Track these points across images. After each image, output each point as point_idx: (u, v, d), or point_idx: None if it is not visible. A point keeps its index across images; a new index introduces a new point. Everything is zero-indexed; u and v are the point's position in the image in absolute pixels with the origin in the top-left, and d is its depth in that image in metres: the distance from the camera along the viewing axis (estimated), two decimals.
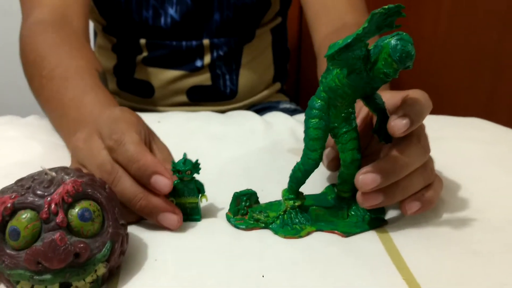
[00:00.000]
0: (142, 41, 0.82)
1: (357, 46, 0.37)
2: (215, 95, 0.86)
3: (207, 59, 0.83)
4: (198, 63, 0.83)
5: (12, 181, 0.39)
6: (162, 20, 0.80)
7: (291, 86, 1.09)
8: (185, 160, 0.45)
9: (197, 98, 0.86)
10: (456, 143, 0.62)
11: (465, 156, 0.59)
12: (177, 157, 0.48)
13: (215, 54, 0.83)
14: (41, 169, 0.39)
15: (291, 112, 0.88)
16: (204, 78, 0.84)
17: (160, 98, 0.86)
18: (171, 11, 0.80)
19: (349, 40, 0.36)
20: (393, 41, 0.37)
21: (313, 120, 0.43)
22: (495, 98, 1.09)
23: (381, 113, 0.45)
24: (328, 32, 0.73)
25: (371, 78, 0.40)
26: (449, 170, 0.56)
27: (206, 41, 0.82)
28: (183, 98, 0.85)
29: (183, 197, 0.46)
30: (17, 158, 0.59)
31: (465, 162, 0.58)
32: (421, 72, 1.05)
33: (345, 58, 0.37)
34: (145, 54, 0.84)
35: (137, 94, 0.87)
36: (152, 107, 0.87)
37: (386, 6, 0.35)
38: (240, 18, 0.82)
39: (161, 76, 0.84)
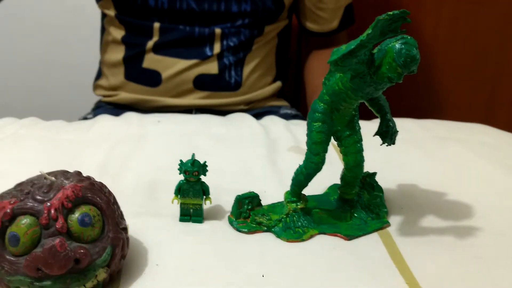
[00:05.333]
0: (156, 25, 0.83)
1: (361, 52, 0.36)
2: (221, 85, 0.87)
3: (217, 48, 0.84)
4: (208, 52, 0.84)
5: (10, 181, 0.39)
6: (178, 3, 0.81)
7: (291, 91, 1.09)
8: (193, 161, 0.44)
9: (203, 87, 0.86)
10: (460, 148, 0.62)
11: (470, 160, 0.59)
12: (178, 156, 0.47)
13: (225, 43, 0.84)
14: (40, 173, 0.38)
15: (292, 117, 0.88)
16: (211, 67, 0.85)
17: (167, 87, 0.86)
18: None
19: (352, 47, 0.35)
20: (397, 45, 0.36)
21: (316, 124, 0.42)
22: (495, 102, 1.09)
23: (385, 115, 0.44)
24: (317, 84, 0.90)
25: (375, 82, 0.39)
26: (453, 174, 0.56)
27: (218, 30, 0.83)
28: (189, 86, 0.86)
29: (187, 198, 0.46)
30: (15, 157, 0.58)
31: (469, 166, 0.58)
32: (421, 76, 1.04)
33: (348, 64, 0.36)
34: (156, 39, 0.84)
35: (144, 84, 0.87)
36: (156, 97, 0.87)
37: (391, 12, 0.34)
38: (255, 14, 0.84)
39: (171, 66, 0.85)
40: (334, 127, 0.43)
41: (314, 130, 0.42)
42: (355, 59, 0.37)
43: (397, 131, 0.45)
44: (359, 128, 0.45)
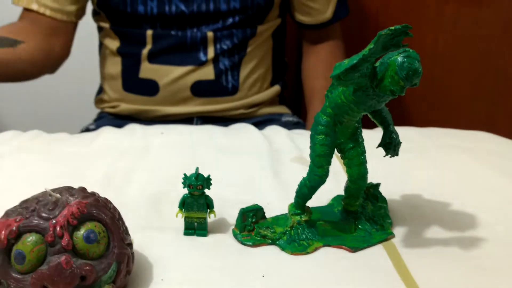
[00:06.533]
0: (149, 32, 0.84)
1: (363, 66, 0.36)
2: (218, 90, 0.87)
3: (210, 52, 0.84)
4: (202, 57, 0.84)
5: (14, 195, 0.39)
6: (167, 8, 0.82)
7: (292, 98, 1.09)
8: (197, 174, 0.44)
9: (201, 93, 0.87)
10: (464, 156, 0.62)
11: (474, 169, 0.59)
12: (181, 168, 0.47)
13: (218, 47, 0.84)
14: (45, 190, 0.38)
15: (294, 125, 0.88)
16: (207, 73, 0.86)
17: (165, 96, 0.87)
18: (176, 0, 0.82)
19: (354, 61, 0.35)
20: (399, 59, 0.36)
21: (319, 137, 0.42)
22: (497, 110, 1.09)
23: (388, 127, 0.44)
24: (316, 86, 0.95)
25: (377, 95, 0.39)
26: (458, 183, 0.56)
27: (210, 34, 0.83)
28: (187, 93, 0.86)
29: (192, 212, 0.46)
30: (19, 171, 0.59)
31: (474, 175, 0.57)
32: (421, 84, 1.05)
33: (351, 78, 0.37)
34: (149, 46, 0.85)
35: (142, 94, 0.88)
36: (156, 107, 0.88)
37: (393, 27, 0.35)
38: (245, 12, 0.84)
39: (167, 74, 0.85)
40: (337, 139, 0.43)
41: (318, 143, 0.42)
42: (358, 73, 0.37)
43: (400, 142, 0.45)
44: (362, 140, 0.45)
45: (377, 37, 0.35)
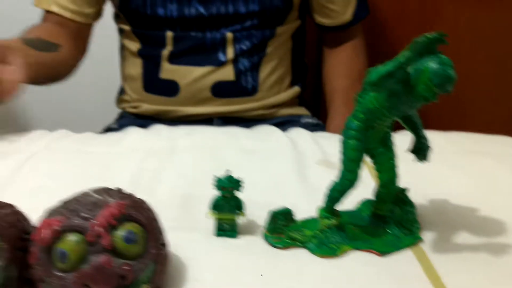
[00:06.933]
0: (169, 34, 0.85)
1: (398, 73, 0.37)
2: (238, 91, 0.88)
3: (230, 53, 0.85)
4: (222, 57, 0.85)
5: (45, 193, 0.40)
6: (186, 10, 0.83)
7: (311, 100, 1.09)
8: (229, 177, 0.45)
9: (221, 94, 0.87)
10: (490, 162, 0.62)
11: (501, 174, 0.59)
12: (207, 169, 0.48)
13: (237, 47, 0.85)
14: (84, 191, 0.39)
15: (313, 127, 0.89)
16: (227, 74, 0.86)
17: (185, 96, 0.88)
18: (195, 3, 0.83)
19: (390, 68, 0.36)
20: (433, 65, 0.37)
21: (351, 141, 0.43)
22: None
23: (418, 132, 0.45)
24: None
25: (410, 100, 0.40)
26: (485, 188, 0.56)
27: (229, 34, 0.84)
28: (207, 94, 0.87)
29: (223, 213, 0.47)
30: (49, 170, 0.60)
31: (501, 181, 0.57)
32: None
33: (385, 84, 0.37)
34: (170, 48, 0.86)
35: (162, 94, 0.89)
36: (176, 107, 0.89)
37: (429, 35, 0.35)
38: (264, 14, 0.84)
39: (187, 74, 0.86)
40: (368, 144, 0.44)
41: (349, 147, 0.43)
42: (392, 79, 0.37)
43: (430, 147, 0.46)
44: (393, 145, 0.45)
45: (413, 44, 0.35)
